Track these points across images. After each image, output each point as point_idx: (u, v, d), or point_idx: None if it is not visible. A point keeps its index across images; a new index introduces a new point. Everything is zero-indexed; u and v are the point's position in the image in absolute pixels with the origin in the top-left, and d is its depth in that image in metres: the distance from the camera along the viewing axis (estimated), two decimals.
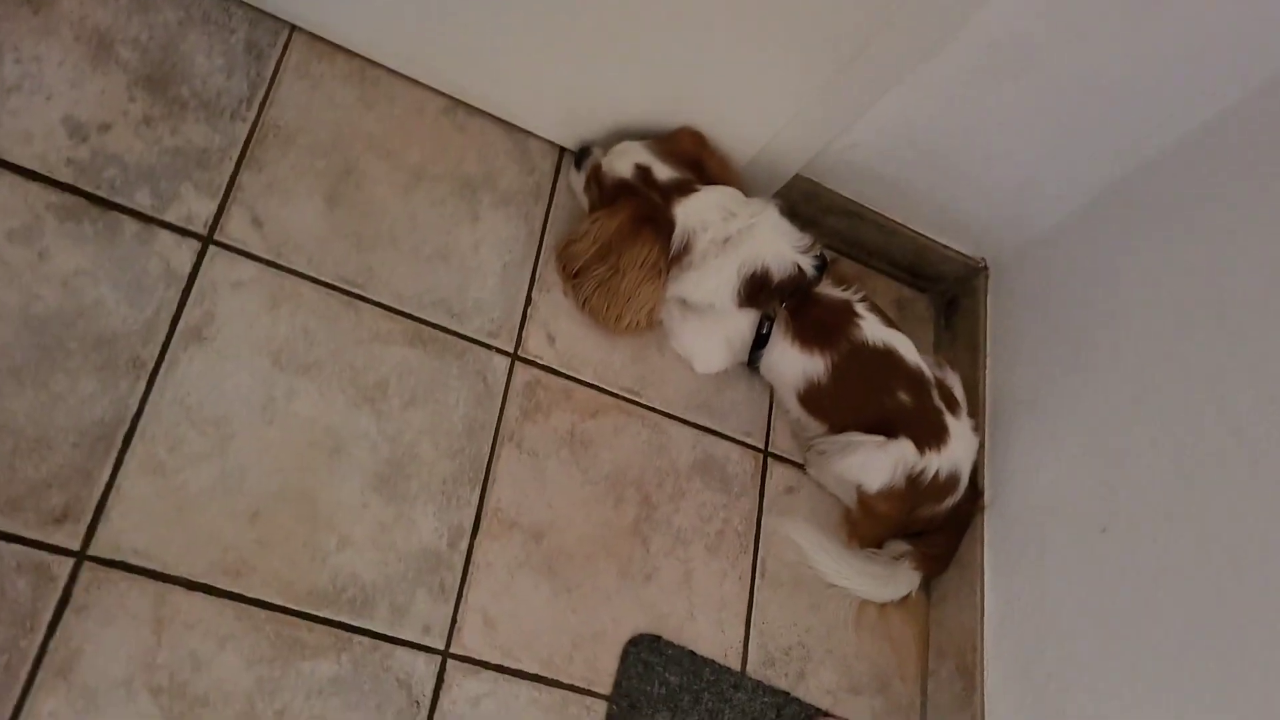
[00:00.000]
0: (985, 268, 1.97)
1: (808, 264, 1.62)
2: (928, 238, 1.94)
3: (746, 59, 1.50)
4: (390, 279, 1.52)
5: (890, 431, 1.64)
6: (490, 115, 1.72)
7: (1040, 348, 1.77)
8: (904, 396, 1.62)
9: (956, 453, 1.65)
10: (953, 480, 1.66)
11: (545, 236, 1.69)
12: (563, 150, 1.77)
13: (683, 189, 1.59)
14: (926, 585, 1.76)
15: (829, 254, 1.68)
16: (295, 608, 1.29)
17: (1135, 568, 1.42)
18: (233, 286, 1.41)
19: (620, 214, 1.57)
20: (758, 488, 1.69)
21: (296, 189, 1.51)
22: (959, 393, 1.73)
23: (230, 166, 1.48)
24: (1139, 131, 1.60)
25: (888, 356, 1.62)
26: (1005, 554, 1.66)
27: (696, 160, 1.64)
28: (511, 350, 1.58)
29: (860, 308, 1.63)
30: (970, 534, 1.74)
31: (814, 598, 1.66)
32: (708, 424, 1.70)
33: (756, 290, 1.60)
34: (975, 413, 1.79)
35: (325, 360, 1.43)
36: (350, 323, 1.47)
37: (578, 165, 1.69)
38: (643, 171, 1.59)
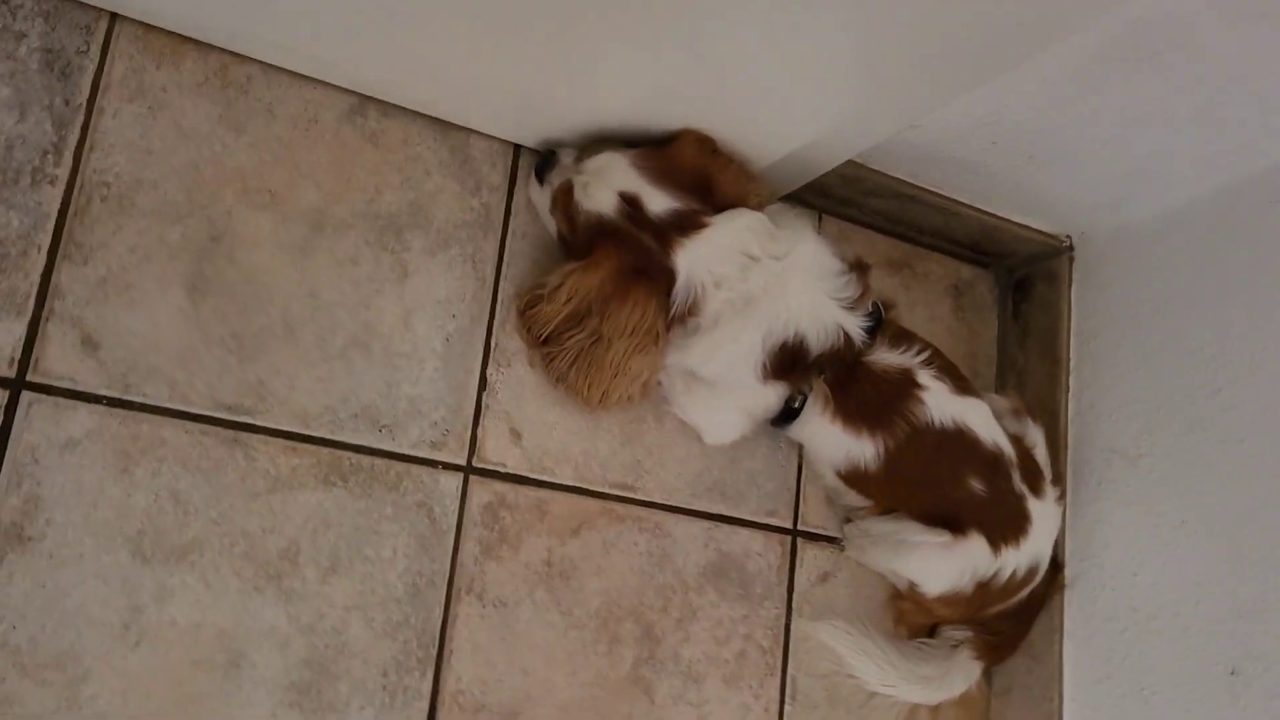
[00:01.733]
0: (1070, 247, 1.54)
1: (855, 328, 1.20)
2: (999, 217, 1.51)
3: (802, 35, 1.00)
4: (289, 394, 1.11)
5: (957, 524, 1.28)
6: (413, 112, 1.24)
7: (1148, 371, 1.38)
8: (977, 485, 1.26)
9: (1038, 542, 1.31)
10: (1031, 573, 1.33)
11: (501, 281, 1.25)
12: (518, 149, 1.30)
13: (686, 225, 1.15)
14: (988, 672, 1.44)
15: (882, 304, 1.25)
16: None
17: None
18: (63, 449, 1.00)
19: (600, 270, 1.14)
20: (785, 584, 1.35)
21: (142, 280, 1.06)
22: (1041, 454, 1.36)
23: (38, 262, 1.02)
24: None
25: (958, 439, 1.24)
26: (1092, 658, 1.35)
27: (703, 176, 1.18)
28: (464, 462, 1.19)
29: (924, 376, 1.23)
30: (1047, 616, 1.41)
31: (854, 713, 1.35)
32: (721, 510, 1.33)
33: (788, 364, 1.19)
34: (1056, 458, 1.42)
35: (207, 534, 1.04)
36: (238, 470, 1.07)
37: (539, 177, 1.23)
38: (629, 204, 1.14)
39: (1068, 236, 1.55)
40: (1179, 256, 1.39)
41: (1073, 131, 1.26)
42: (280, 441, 1.10)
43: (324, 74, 1.19)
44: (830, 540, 1.41)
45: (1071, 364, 1.51)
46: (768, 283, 1.16)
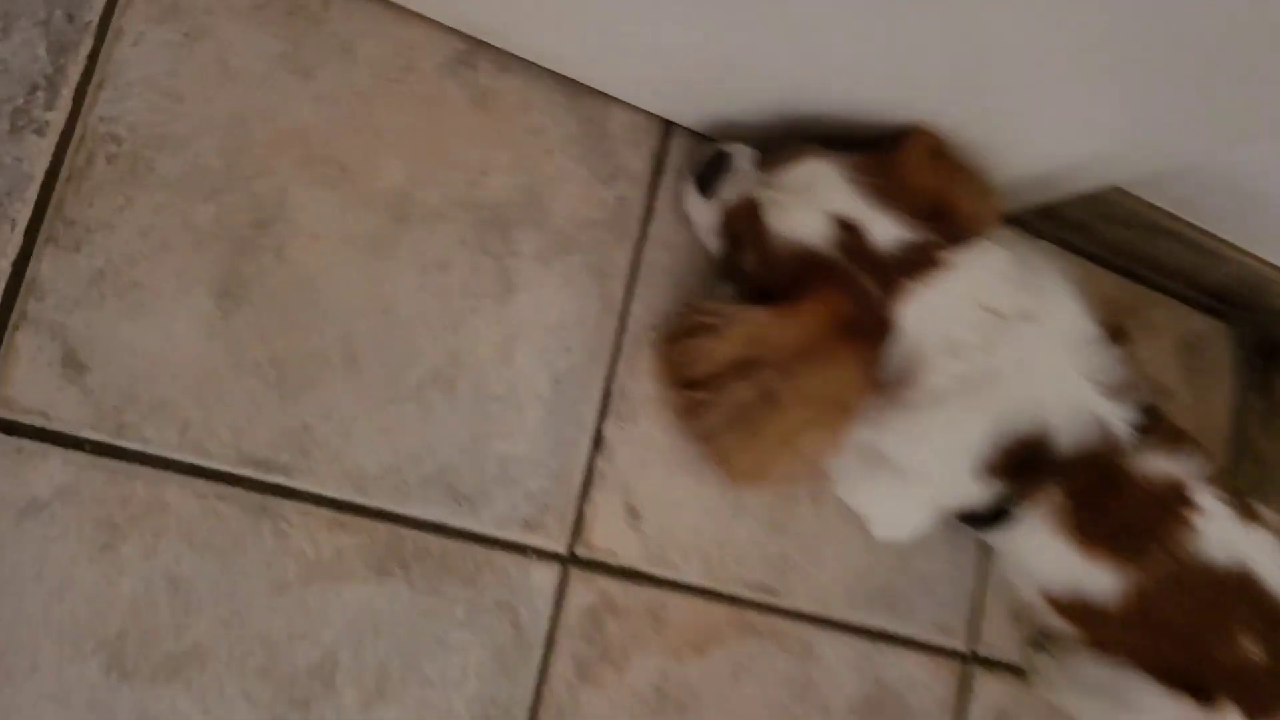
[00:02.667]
0: None
1: (1120, 421, 0.86)
2: (1266, 262, 1.13)
3: (1099, 21, 0.66)
4: (342, 446, 0.80)
5: (1205, 687, 0.94)
6: (536, 67, 0.91)
7: None
8: (1251, 646, 0.91)
9: None
10: None
11: (632, 305, 0.93)
12: (669, 129, 0.96)
13: (919, 264, 0.82)
14: None
15: (1156, 401, 0.91)
16: None
17: None
18: (22, 513, 0.71)
19: (806, 320, 0.82)
20: None
21: (155, 278, 0.76)
22: None
23: (11, 244, 0.72)
24: None
25: (1237, 584, 0.90)
26: None
27: (938, 194, 0.84)
28: (564, 550, 0.88)
29: (1203, 494, 0.89)
30: None
31: None
32: (884, 624, 1.01)
33: (1021, 464, 0.86)
34: None
35: (213, 639, 0.75)
36: (263, 550, 0.77)
37: (704, 185, 0.89)
38: (847, 232, 0.80)
39: None
40: None
41: None
42: (324, 513, 0.80)
43: (426, 6, 0.86)
44: (1012, 669, 1.08)
45: None
46: (1017, 356, 0.82)
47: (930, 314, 0.82)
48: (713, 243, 0.92)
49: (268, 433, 0.78)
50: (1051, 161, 0.89)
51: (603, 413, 0.91)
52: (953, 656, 1.06)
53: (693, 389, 0.88)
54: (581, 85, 0.93)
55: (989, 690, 1.07)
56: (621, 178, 0.94)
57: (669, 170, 0.96)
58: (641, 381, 0.93)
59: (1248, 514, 0.93)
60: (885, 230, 0.81)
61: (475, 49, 0.90)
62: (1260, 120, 0.76)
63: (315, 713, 0.78)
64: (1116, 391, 0.88)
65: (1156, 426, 0.90)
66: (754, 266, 0.87)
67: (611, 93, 0.94)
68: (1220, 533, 0.90)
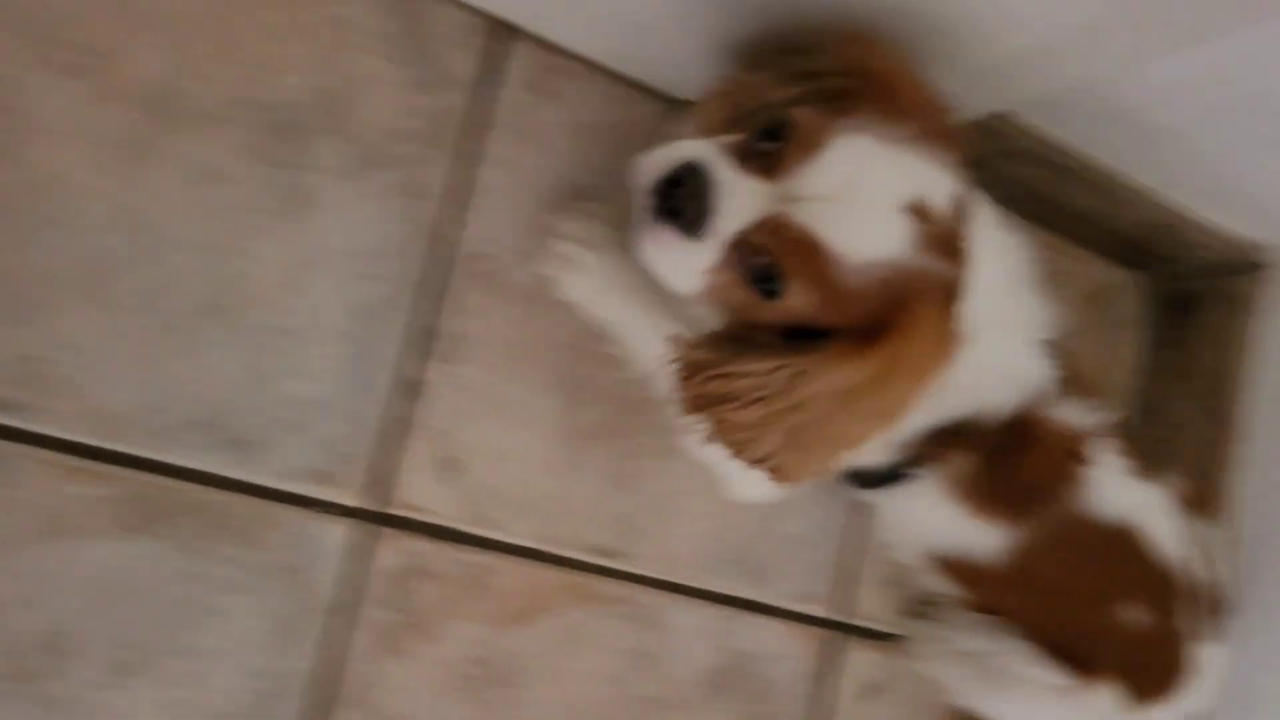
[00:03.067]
0: (1266, 265, 1.09)
1: (1044, 378, 0.79)
2: (1183, 210, 1.05)
3: None
4: (85, 379, 0.69)
5: (1087, 659, 0.87)
6: None
7: None
8: (1132, 614, 0.84)
9: (1199, 700, 0.89)
10: None
11: (460, 227, 0.81)
12: (507, 32, 0.84)
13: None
14: None
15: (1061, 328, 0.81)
16: None
17: None
18: None
19: (907, 347, 0.66)
20: (819, 698, 0.94)
21: None
22: (1223, 573, 0.94)
23: None
24: None
25: (1124, 544, 0.83)
26: None
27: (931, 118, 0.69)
28: (368, 505, 0.77)
29: (1105, 450, 0.81)
30: None
31: None
32: (740, 591, 0.92)
33: (946, 433, 0.76)
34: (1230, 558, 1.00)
35: None
36: None
37: (684, 221, 0.65)
38: (920, 217, 0.64)
39: (1267, 247, 1.10)
40: None
41: None
42: (65, 459, 0.68)
43: None
44: (888, 639, 0.99)
45: (1247, 429, 1.07)
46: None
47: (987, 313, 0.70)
48: (709, 292, 0.69)
49: None
50: (987, 51, 0.77)
51: (420, 354, 0.80)
52: (818, 625, 0.97)
53: (709, 390, 0.70)
54: None
55: (859, 661, 0.98)
56: (444, 84, 0.82)
57: (508, 81, 0.84)
58: (470, 320, 0.82)
59: (1142, 469, 0.85)
60: (943, 189, 0.66)
61: None
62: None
63: (43, 688, 0.67)
64: (1046, 346, 0.78)
65: (1065, 374, 0.81)
66: (809, 308, 0.66)
67: None
68: (1113, 488, 0.82)
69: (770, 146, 0.64)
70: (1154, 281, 1.20)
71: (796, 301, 0.65)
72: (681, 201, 0.64)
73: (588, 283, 0.83)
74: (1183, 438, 1.13)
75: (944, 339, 0.66)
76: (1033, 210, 1.10)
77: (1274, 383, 1.07)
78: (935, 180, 0.65)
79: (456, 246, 0.81)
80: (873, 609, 0.99)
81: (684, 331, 0.72)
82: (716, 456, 0.85)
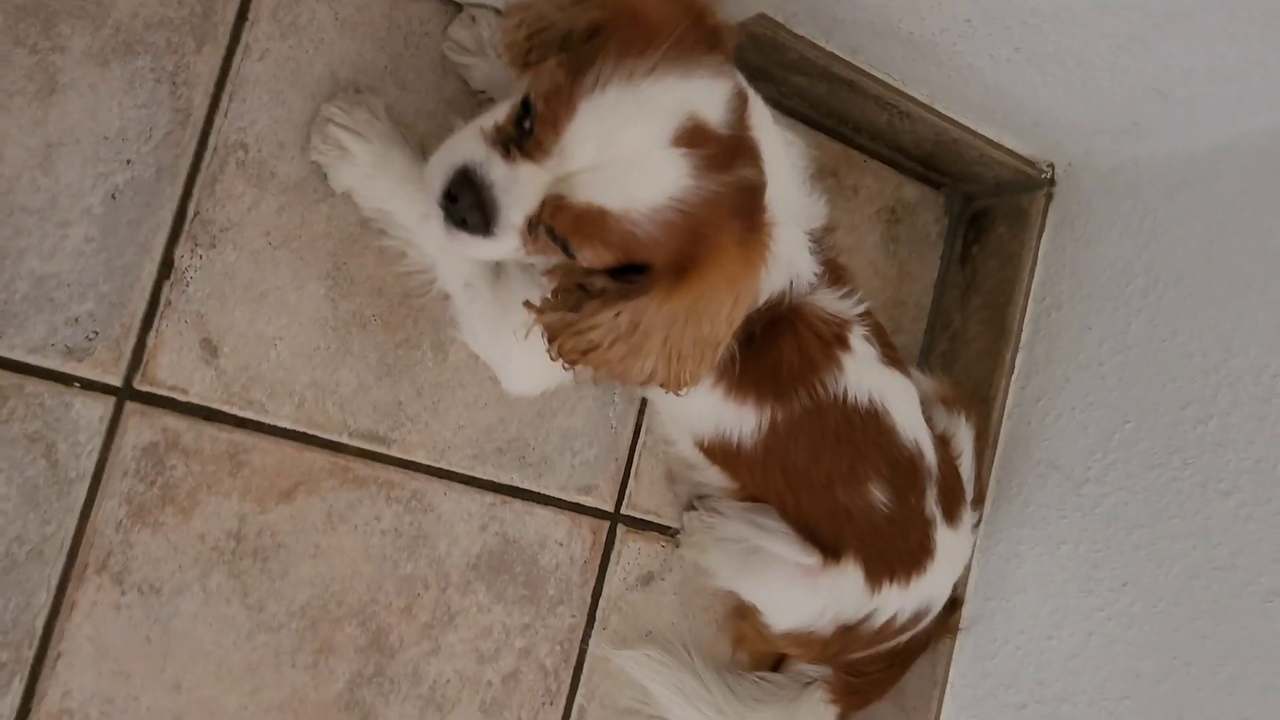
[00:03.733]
0: (1050, 181, 1.15)
1: (808, 269, 0.84)
2: (961, 125, 1.09)
3: None
4: None
5: (836, 541, 0.94)
6: None
7: (1124, 369, 1.02)
8: (878, 494, 0.91)
9: (936, 582, 0.97)
10: (916, 619, 0.99)
11: (217, 119, 0.84)
12: None
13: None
14: (845, 717, 1.12)
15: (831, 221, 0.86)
16: None
17: None
18: None
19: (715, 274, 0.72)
20: (590, 585, 1.00)
21: None
22: (968, 464, 1.03)
23: None
24: None
25: (871, 424, 0.89)
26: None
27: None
28: (119, 381, 0.80)
29: (855, 334, 0.85)
30: (929, 662, 1.08)
31: None
32: (514, 479, 0.96)
33: None
34: (979, 463, 1.07)
35: None
36: None
37: (474, 224, 0.72)
38: (695, 137, 0.69)
39: (1049, 166, 1.16)
40: (1194, 223, 1.00)
41: (1086, 23, 0.85)
42: None
43: None
44: (663, 531, 1.05)
45: (1023, 338, 1.14)
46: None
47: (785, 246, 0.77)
48: (528, 263, 0.79)
49: None
50: None
51: (174, 237, 0.83)
52: (597, 516, 1.02)
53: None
54: None
55: (634, 551, 1.04)
56: None
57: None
58: (229, 206, 0.85)
59: (889, 356, 0.90)
60: (714, 95, 0.69)
61: None
62: None
63: None
64: (814, 236, 0.82)
65: (827, 264, 0.85)
66: (614, 260, 0.72)
67: None
68: (862, 373, 0.87)
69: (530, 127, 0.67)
70: (950, 199, 1.25)
71: (598, 260, 0.70)
72: (466, 212, 0.69)
73: (359, 172, 0.86)
74: (967, 348, 1.19)
75: (750, 251, 0.71)
76: (826, 125, 1.15)
77: (1048, 295, 1.13)
78: (702, 90, 0.68)
79: (216, 135, 0.83)
80: (648, 502, 1.04)
81: (531, 298, 0.75)
82: (496, 352, 0.90)
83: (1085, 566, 0.98)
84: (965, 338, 1.19)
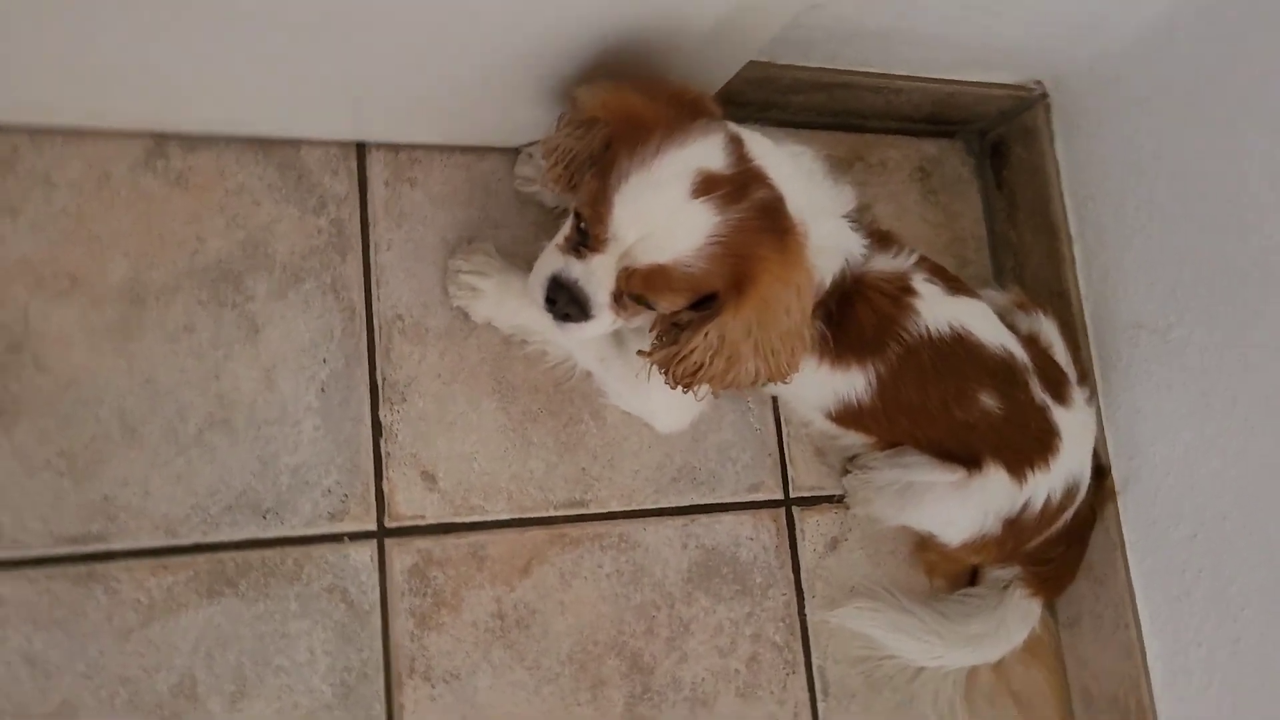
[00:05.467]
0: (1043, 95, 1.30)
1: (857, 246, 1.00)
2: (949, 80, 1.26)
3: None
4: (144, 503, 0.94)
5: (972, 453, 1.08)
6: (223, 138, 1.05)
7: (1163, 224, 1.15)
8: (988, 400, 1.05)
9: (1073, 457, 1.10)
10: (1071, 494, 1.12)
11: (375, 305, 1.06)
12: (362, 147, 1.10)
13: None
14: (1050, 605, 1.25)
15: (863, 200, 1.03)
16: None
17: None
18: None
19: (754, 295, 0.89)
20: (788, 565, 1.16)
21: None
22: (1061, 352, 1.16)
23: None
24: None
25: (959, 349, 1.03)
26: (1163, 571, 1.15)
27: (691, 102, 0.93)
28: (374, 526, 1.01)
29: (918, 280, 1.02)
30: (1103, 530, 1.20)
31: (901, 692, 1.17)
32: (694, 499, 1.15)
33: None
34: (1076, 350, 1.20)
35: (78, 693, 0.89)
36: (100, 609, 0.92)
37: (575, 314, 0.92)
38: (709, 185, 0.86)
39: (1038, 83, 1.31)
40: (1173, 83, 1.14)
41: None
42: (145, 562, 0.94)
43: (103, 121, 1.00)
44: (831, 500, 1.21)
45: (1072, 232, 1.28)
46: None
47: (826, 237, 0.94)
48: (634, 327, 0.98)
49: (72, 512, 0.93)
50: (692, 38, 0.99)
51: (374, 403, 1.05)
52: (772, 506, 1.19)
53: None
54: (269, 139, 1.06)
55: (814, 524, 1.20)
56: (330, 202, 1.08)
57: (374, 184, 1.09)
58: (405, 366, 1.06)
59: (954, 288, 1.05)
60: (713, 150, 0.86)
61: (162, 141, 1.03)
62: None
63: None
64: (849, 214, 0.99)
65: (872, 235, 1.02)
66: (680, 301, 0.90)
67: (298, 135, 1.07)
68: (935, 309, 1.02)
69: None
70: (967, 141, 1.41)
71: (674, 303, 0.90)
72: (566, 308, 0.90)
73: (490, 302, 1.07)
74: (1029, 257, 1.33)
75: (788, 253, 0.87)
76: (838, 123, 1.32)
77: (1078, 190, 1.27)
78: (699, 149, 0.86)
79: (377, 317, 1.06)
80: (809, 480, 1.20)
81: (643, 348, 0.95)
82: (639, 405, 1.09)
83: (1197, 397, 1.10)
84: (1025, 250, 1.34)
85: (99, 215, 0.99)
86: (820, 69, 1.20)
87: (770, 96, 1.23)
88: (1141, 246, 1.17)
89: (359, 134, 1.09)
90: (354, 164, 1.09)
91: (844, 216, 1.00)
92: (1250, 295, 1.04)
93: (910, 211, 1.35)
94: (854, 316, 1.01)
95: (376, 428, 1.04)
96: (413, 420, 1.05)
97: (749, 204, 0.86)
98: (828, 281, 0.98)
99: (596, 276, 0.88)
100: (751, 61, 1.14)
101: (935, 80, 1.25)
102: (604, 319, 0.91)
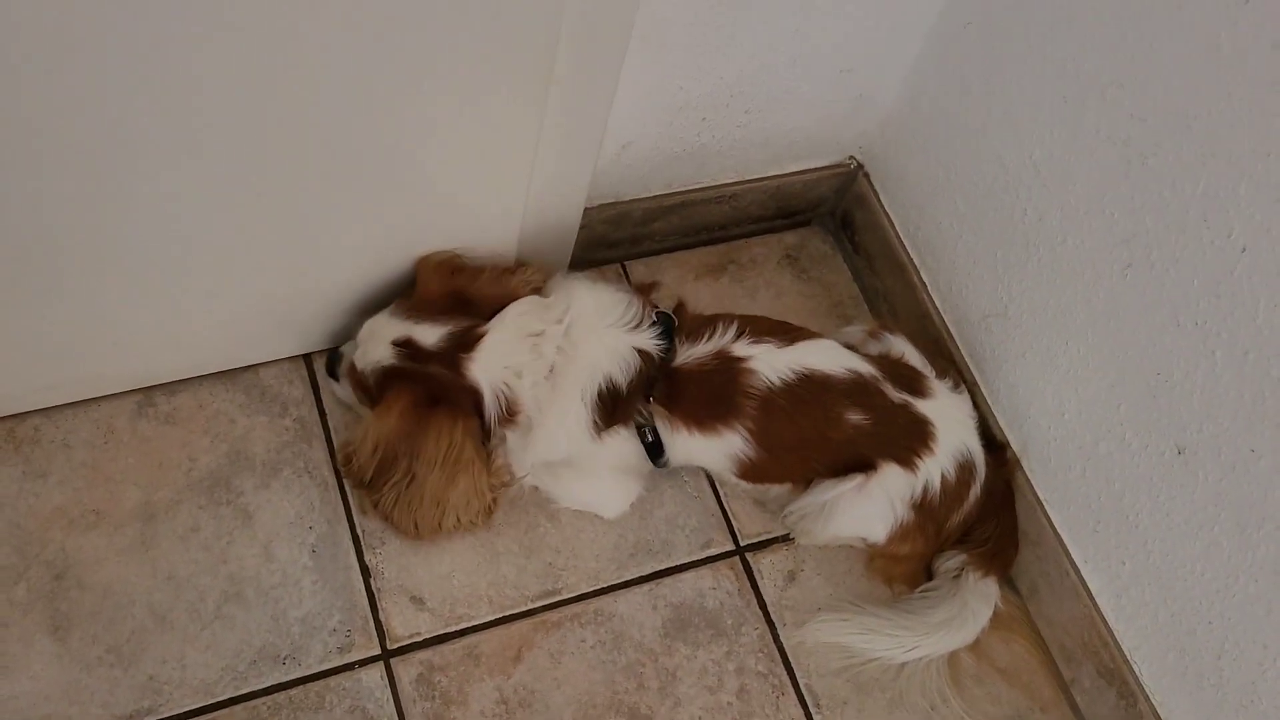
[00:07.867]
0: (860, 165, 1.55)
1: (649, 342, 1.19)
2: (776, 175, 1.51)
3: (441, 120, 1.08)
4: (183, 674, 1.13)
5: (865, 461, 1.25)
6: (196, 378, 1.30)
7: (972, 228, 1.36)
8: (854, 416, 1.22)
9: (953, 437, 1.25)
10: (966, 469, 1.26)
11: (343, 476, 1.27)
12: (308, 357, 1.35)
13: (466, 343, 1.16)
14: (1009, 581, 1.36)
15: (665, 308, 1.25)
16: None
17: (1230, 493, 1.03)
18: None
19: (392, 411, 1.15)
20: (754, 602, 1.30)
21: (7, 646, 1.11)
22: (915, 357, 1.33)
23: None
24: None
25: (809, 383, 1.21)
26: (1077, 513, 1.27)
27: (457, 294, 1.21)
28: (378, 651, 1.18)
29: (740, 348, 1.21)
30: (1022, 498, 1.34)
31: (889, 690, 1.27)
32: (654, 567, 1.30)
33: (610, 408, 1.18)
34: (946, 351, 1.38)
35: None
36: None
37: (332, 375, 1.27)
38: (404, 347, 1.16)
39: (851, 158, 1.56)
40: (938, 122, 1.39)
41: (777, 70, 1.28)
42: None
43: (99, 388, 1.26)
44: (779, 540, 1.36)
45: (915, 263, 1.49)
46: (561, 346, 1.17)
47: (491, 364, 1.16)
48: (361, 409, 1.27)
49: (126, 694, 1.11)
50: (514, 219, 1.27)
51: (359, 551, 1.25)
52: (726, 557, 1.34)
53: (370, 488, 1.20)
54: (232, 369, 1.32)
55: (769, 563, 1.35)
56: (291, 405, 1.32)
57: (322, 382, 1.34)
58: (374, 520, 1.27)
59: (787, 339, 1.24)
60: (430, 334, 1.16)
61: (149, 393, 1.29)
62: (591, 100, 1.17)
63: None
64: (637, 324, 1.21)
65: (682, 328, 1.24)
66: (367, 398, 1.21)
67: (254, 361, 1.33)
68: (771, 361, 1.22)
69: None
70: (821, 224, 1.65)
71: (364, 398, 1.23)
72: (331, 367, 1.30)
73: None
74: (895, 296, 1.54)
75: (427, 406, 1.15)
76: (703, 240, 1.57)
77: (908, 227, 1.50)
78: (428, 331, 1.16)
79: (347, 485, 1.28)
80: (755, 526, 1.36)
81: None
82: (580, 500, 1.28)
83: (1046, 356, 1.27)
84: (890, 292, 1.54)
85: (110, 460, 1.24)
86: (661, 195, 1.45)
87: (633, 231, 1.49)
88: (964, 252, 1.38)
89: (302, 348, 1.35)
90: (304, 371, 1.35)
91: (627, 326, 1.19)
92: (1044, 259, 1.24)
93: (789, 292, 1.57)
94: (694, 394, 1.20)
95: (364, 571, 1.23)
96: (394, 557, 1.25)
97: (411, 364, 1.16)
98: (627, 372, 1.18)
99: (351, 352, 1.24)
100: (605, 204, 1.41)
101: (763, 179, 1.51)
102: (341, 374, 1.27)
